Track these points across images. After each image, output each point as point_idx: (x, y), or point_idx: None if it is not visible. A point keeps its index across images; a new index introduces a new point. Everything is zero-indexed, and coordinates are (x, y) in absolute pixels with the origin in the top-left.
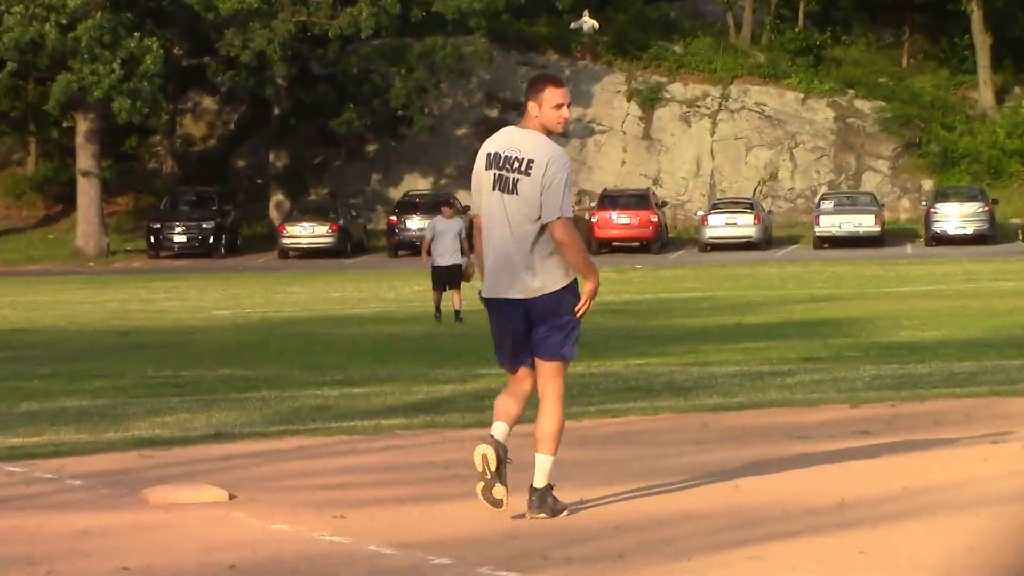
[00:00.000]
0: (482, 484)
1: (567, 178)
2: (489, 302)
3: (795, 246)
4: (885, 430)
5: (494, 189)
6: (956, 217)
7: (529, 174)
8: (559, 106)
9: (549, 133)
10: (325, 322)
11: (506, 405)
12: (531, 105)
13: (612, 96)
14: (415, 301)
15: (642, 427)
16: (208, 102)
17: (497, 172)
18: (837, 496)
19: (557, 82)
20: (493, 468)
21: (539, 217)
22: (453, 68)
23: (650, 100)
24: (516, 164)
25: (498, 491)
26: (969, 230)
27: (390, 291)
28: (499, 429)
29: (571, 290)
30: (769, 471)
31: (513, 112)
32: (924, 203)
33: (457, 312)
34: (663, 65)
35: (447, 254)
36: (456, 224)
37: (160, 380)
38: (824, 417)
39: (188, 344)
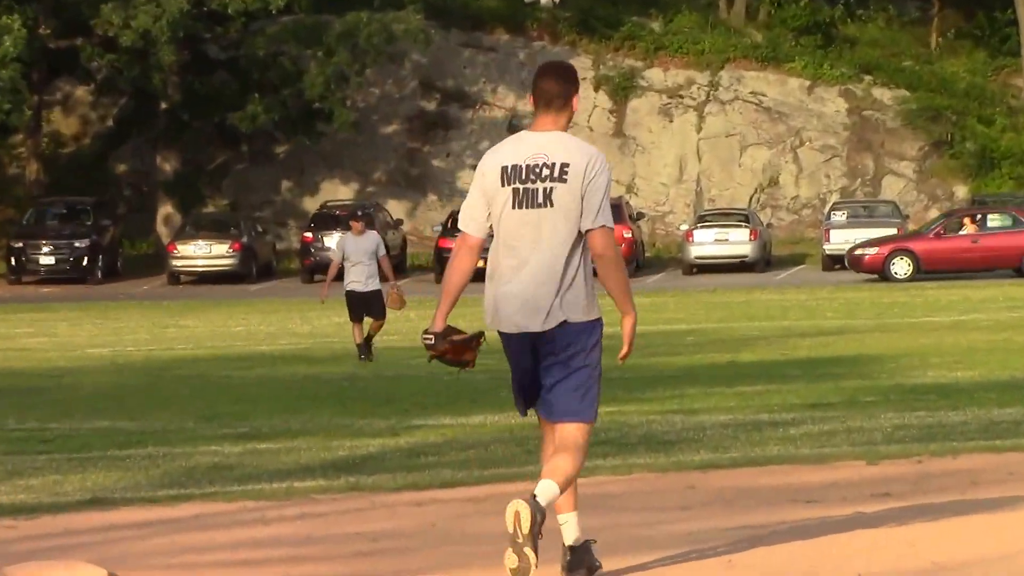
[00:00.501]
0: (509, 549)
1: (609, 183)
2: (503, 336)
3: (800, 267)
4: (910, 492)
5: (516, 207)
6: None
7: (565, 180)
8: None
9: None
10: (225, 362)
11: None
12: (575, 100)
13: None
14: (335, 336)
15: (615, 489)
16: (81, 93)
17: (520, 186)
18: (851, 572)
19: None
20: (526, 530)
21: (576, 233)
22: (381, 50)
23: (623, 89)
24: (546, 172)
25: (527, 557)
26: None
27: (304, 324)
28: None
29: (592, 329)
30: (770, 543)
31: (455, 104)
32: None
33: (369, 338)
34: (638, 46)
35: (363, 278)
36: (370, 241)
37: (24, 434)
38: (836, 476)
39: (58, 390)
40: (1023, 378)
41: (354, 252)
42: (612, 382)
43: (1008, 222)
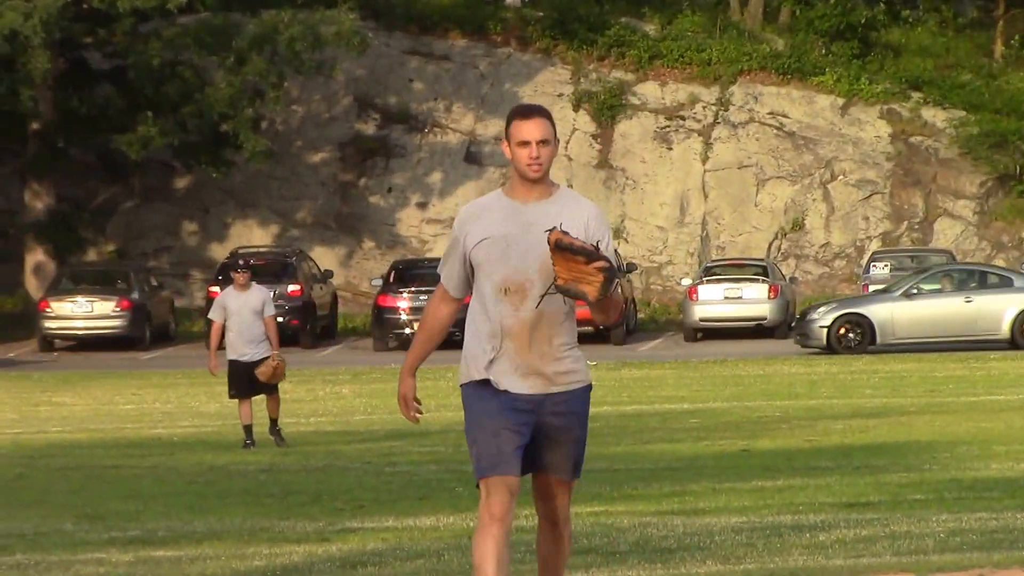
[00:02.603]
0: None
1: (453, 237)
2: None
3: None
4: None
5: None
6: None
7: None
8: (524, 143)
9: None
10: (112, 449)
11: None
12: (503, 146)
13: (551, 102)
14: None
15: None
16: None
17: None
18: None
19: (526, 112)
20: None
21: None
22: (306, 59)
23: (609, 108)
24: None
25: None
26: None
27: (211, 401)
28: None
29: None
30: None
31: (399, 126)
32: None
33: (274, 422)
34: (629, 55)
35: (247, 344)
36: (256, 298)
37: None
38: None
39: None
40: None
41: (236, 311)
42: (596, 475)
43: None
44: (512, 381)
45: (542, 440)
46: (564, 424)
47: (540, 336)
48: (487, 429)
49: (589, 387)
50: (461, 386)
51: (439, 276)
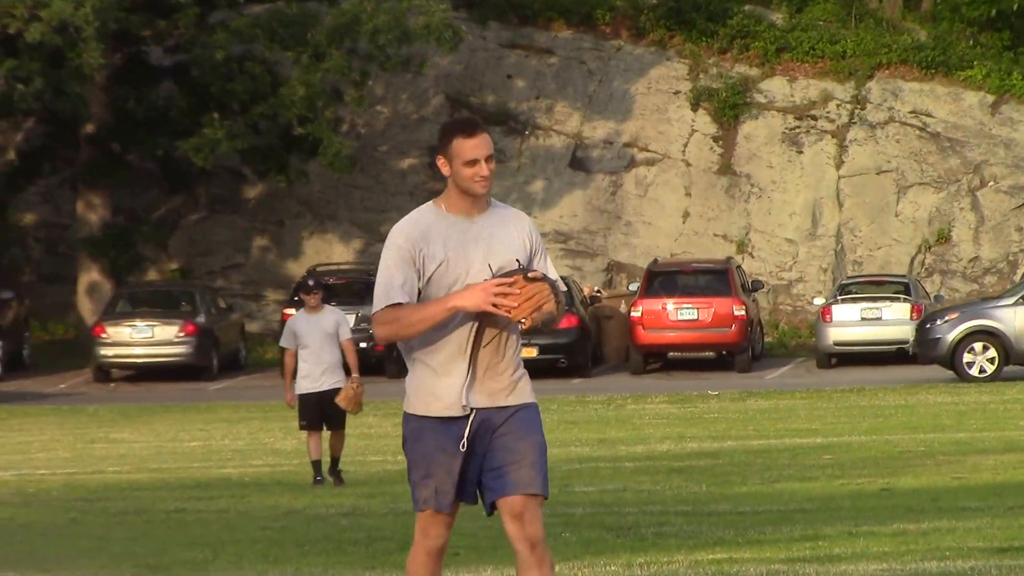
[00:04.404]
0: None
1: (386, 255)
2: None
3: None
4: None
5: None
6: None
7: None
8: (473, 162)
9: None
10: (176, 491)
11: None
12: (440, 162)
13: (667, 101)
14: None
15: None
16: None
17: None
18: None
19: (470, 129)
20: None
21: None
22: (392, 54)
23: (732, 107)
24: None
25: None
26: None
27: (287, 437)
28: None
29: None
30: None
31: (496, 128)
32: None
33: (335, 461)
34: (754, 47)
35: (317, 371)
36: (329, 319)
37: None
38: None
39: None
40: None
41: (308, 335)
42: (719, 518)
43: None
44: (474, 397)
45: (504, 458)
46: (524, 429)
47: (496, 350)
48: (431, 464)
49: (537, 406)
50: (405, 413)
51: (383, 301)
